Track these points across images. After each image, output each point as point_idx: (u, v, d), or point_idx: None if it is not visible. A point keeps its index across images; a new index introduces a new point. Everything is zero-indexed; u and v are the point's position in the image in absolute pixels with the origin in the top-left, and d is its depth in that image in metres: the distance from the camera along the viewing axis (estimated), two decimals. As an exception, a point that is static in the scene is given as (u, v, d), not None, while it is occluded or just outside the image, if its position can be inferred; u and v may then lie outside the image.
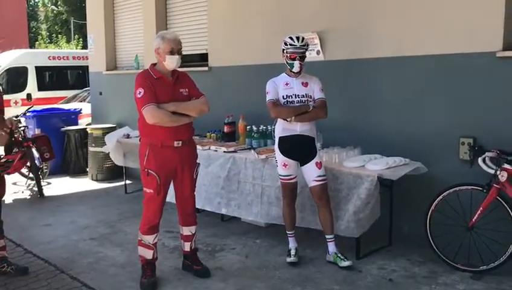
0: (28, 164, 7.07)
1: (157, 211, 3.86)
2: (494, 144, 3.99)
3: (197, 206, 5.16)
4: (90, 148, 7.89)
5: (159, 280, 3.97)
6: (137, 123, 3.90)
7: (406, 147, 4.57)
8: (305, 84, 4.17)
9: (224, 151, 5.22)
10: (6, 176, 4.26)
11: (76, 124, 8.90)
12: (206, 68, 6.58)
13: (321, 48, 5.24)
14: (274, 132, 4.34)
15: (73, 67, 14.86)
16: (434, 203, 4.14)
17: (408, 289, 3.81)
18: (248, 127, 5.54)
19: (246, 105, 5.88)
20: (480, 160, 3.96)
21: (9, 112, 7.69)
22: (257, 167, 4.85)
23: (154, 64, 3.89)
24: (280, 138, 4.22)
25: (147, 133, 3.83)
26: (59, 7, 36.32)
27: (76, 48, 28.50)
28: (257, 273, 4.14)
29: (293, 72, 4.16)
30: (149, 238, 3.90)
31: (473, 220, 3.99)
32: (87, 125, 8.82)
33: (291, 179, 4.23)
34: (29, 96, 13.35)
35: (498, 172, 3.85)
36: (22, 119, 7.86)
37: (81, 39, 30.28)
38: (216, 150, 5.33)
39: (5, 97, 4.12)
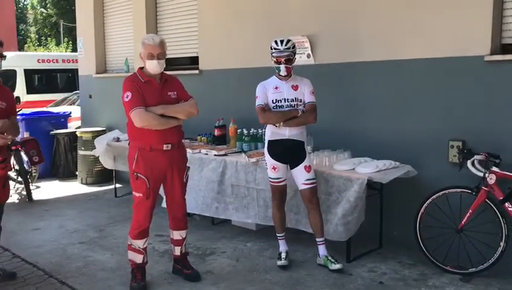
0: (17, 167, 7.03)
1: (147, 215, 3.84)
2: (483, 147, 4.02)
3: (195, 212, 5.22)
4: (80, 152, 7.84)
5: (149, 284, 3.95)
6: (126, 126, 3.87)
7: (396, 150, 4.60)
8: (295, 88, 4.16)
9: (215, 155, 5.21)
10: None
11: (66, 127, 8.85)
12: (196, 71, 6.57)
13: (311, 52, 5.26)
14: (264, 135, 4.33)
15: (63, 70, 14.78)
16: (424, 206, 4.16)
17: (398, 292, 3.83)
18: (239, 131, 5.54)
19: (237, 108, 5.89)
20: (469, 163, 3.99)
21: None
22: (249, 170, 4.84)
23: (142, 68, 3.88)
24: (269, 141, 4.22)
25: (135, 137, 3.81)
26: (48, 10, 36.11)
27: (66, 51, 28.33)
28: (248, 276, 4.14)
29: (281, 76, 4.16)
30: (139, 243, 3.88)
31: (462, 222, 4.02)
32: (76, 128, 8.77)
33: (280, 181, 4.24)
34: (18, 99, 13.11)
35: (487, 175, 3.89)
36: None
37: (70, 42, 30.12)
38: (207, 154, 5.32)
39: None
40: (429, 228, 4.16)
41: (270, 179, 4.28)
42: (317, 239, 4.26)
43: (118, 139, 6.65)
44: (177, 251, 4.10)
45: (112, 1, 8.33)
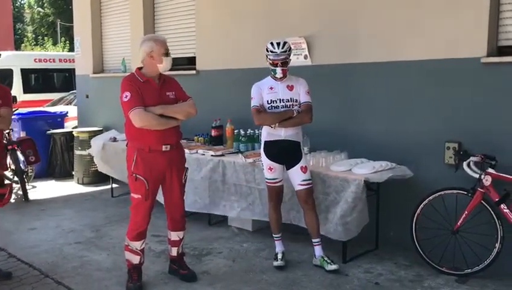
0: (13, 167, 7.01)
1: (145, 217, 3.83)
2: (479, 149, 4.04)
3: (205, 212, 5.25)
4: (76, 152, 7.83)
5: (145, 285, 3.94)
6: (124, 126, 3.87)
7: (392, 152, 4.61)
8: (290, 88, 4.15)
9: (212, 155, 5.21)
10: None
11: (62, 127, 8.83)
12: (193, 72, 6.58)
13: (308, 53, 5.27)
14: (261, 136, 4.33)
15: (60, 69, 14.74)
16: (420, 207, 4.18)
17: (394, 293, 3.84)
18: (236, 131, 5.55)
19: (234, 109, 5.89)
20: (465, 164, 4.01)
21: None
22: (247, 170, 4.85)
23: (139, 68, 3.87)
24: (265, 142, 4.22)
25: (134, 138, 3.80)
26: (45, 9, 36.04)
27: (63, 51, 28.28)
28: (244, 277, 4.14)
29: (277, 78, 4.15)
30: (136, 244, 3.87)
31: (458, 224, 4.04)
32: (73, 128, 8.76)
33: (276, 182, 4.24)
34: (14, 98, 13.10)
35: (482, 176, 3.90)
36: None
37: (67, 42, 30.07)
38: (204, 154, 5.33)
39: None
40: (425, 229, 4.17)
41: (266, 180, 4.28)
42: (313, 240, 4.27)
43: (114, 139, 6.64)
44: (174, 251, 4.09)
45: (109, 1, 8.33)
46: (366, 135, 4.85)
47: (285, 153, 4.17)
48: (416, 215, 4.19)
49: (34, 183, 7.67)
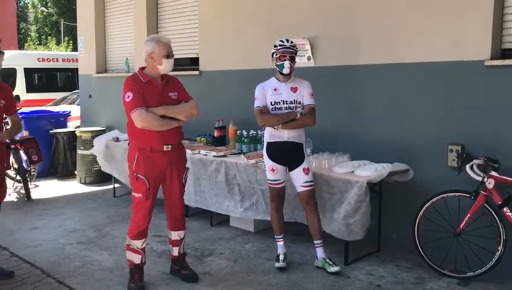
0: (16, 166, 7.03)
1: (146, 216, 3.84)
2: (482, 152, 4.04)
3: (208, 209, 5.25)
4: (79, 151, 7.84)
5: (147, 285, 3.94)
6: (126, 126, 3.87)
7: (395, 154, 4.60)
8: (294, 90, 4.15)
9: (214, 156, 5.21)
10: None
11: (65, 126, 8.84)
12: (196, 72, 6.58)
13: (312, 54, 5.27)
14: (263, 136, 4.33)
15: (63, 69, 14.76)
16: (422, 210, 4.17)
17: (396, 295, 3.84)
18: (238, 132, 5.55)
19: (236, 109, 5.89)
20: (468, 167, 3.99)
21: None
22: (250, 171, 4.85)
23: (142, 68, 3.88)
24: (268, 143, 4.21)
25: (136, 137, 3.81)
26: (49, 9, 36.12)
27: (66, 50, 28.34)
28: (245, 278, 4.13)
29: (283, 75, 4.12)
30: (137, 243, 3.88)
31: (461, 226, 4.03)
32: (76, 128, 8.77)
33: (279, 183, 4.24)
34: (17, 97, 13.10)
35: (485, 179, 3.89)
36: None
37: (71, 41, 30.13)
38: (206, 155, 5.33)
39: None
40: (427, 232, 4.16)
41: (268, 181, 4.28)
42: (315, 241, 4.27)
43: (117, 139, 6.65)
44: (175, 251, 4.09)
45: (112, 1, 8.34)
46: (369, 136, 4.85)
47: (287, 155, 4.17)
48: (418, 217, 4.18)
49: (36, 183, 7.69)
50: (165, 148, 3.79)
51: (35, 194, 7.09)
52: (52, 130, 8.36)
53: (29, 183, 7.05)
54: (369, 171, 4.30)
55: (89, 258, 4.57)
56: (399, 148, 4.63)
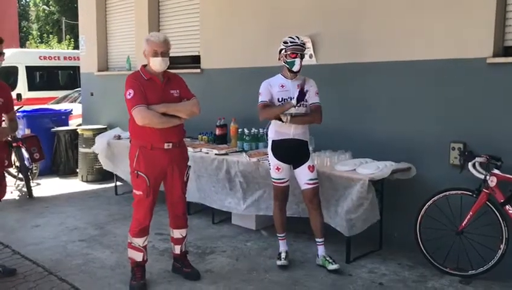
0: (18, 164, 7.04)
1: (147, 214, 3.84)
2: (484, 149, 4.02)
3: (213, 206, 5.25)
4: (81, 149, 7.84)
5: (149, 283, 3.95)
6: (128, 124, 3.87)
7: (397, 152, 4.60)
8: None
9: (216, 154, 5.21)
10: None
11: (67, 124, 8.84)
12: (198, 70, 6.57)
13: (314, 52, 5.26)
14: (267, 135, 4.31)
15: (65, 67, 14.76)
16: (424, 208, 4.16)
17: (398, 293, 3.83)
18: (240, 130, 5.55)
19: (238, 107, 5.89)
20: (470, 165, 3.98)
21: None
22: (252, 169, 4.85)
23: (145, 66, 3.87)
24: (273, 141, 4.20)
25: (137, 135, 3.81)
26: (50, 7, 36.15)
27: (68, 48, 28.35)
28: (247, 276, 4.14)
29: (293, 72, 4.09)
30: (139, 241, 3.88)
31: (463, 224, 4.02)
32: (77, 126, 8.77)
33: (283, 182, 4.22)
34: (19, 96, 13.15)
35: (488, 177, 3.88)
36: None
37: (72, 39, 30.15)
38: (207, 153, 5.33)
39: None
40: (429, 230, 4.16)
41: (272, 180, 4.26)
42: (316, 239, 4.27)
43: (119, 137, 6.65)
44: (177, 249, 4.09)
45: (114, -1, 8.34)
46: (371, 134, 4.84)
47: (293, 152, 4.15)
48: (420, 215, 4.18)
49: (38, 181, 7.69)
50: (166, 146, 3.79)
51: (37, 192, 7.10)
52: (53, 128, 8.36)
53: (31, 181, 7.06)
54: (371, 169, 4.30)
55: (91, 256, 4.57)
56: (400, 146, 4.62)
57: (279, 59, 4.16)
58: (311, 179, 4.15)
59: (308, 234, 4.89)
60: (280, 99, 4.10)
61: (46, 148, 7.60)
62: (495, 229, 3.88)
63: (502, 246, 3.84)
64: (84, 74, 9.01)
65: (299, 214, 4.61)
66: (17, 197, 6.92)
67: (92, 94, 8.70)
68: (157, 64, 3.75)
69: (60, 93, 13.31)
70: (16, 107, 8.32)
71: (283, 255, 4.33)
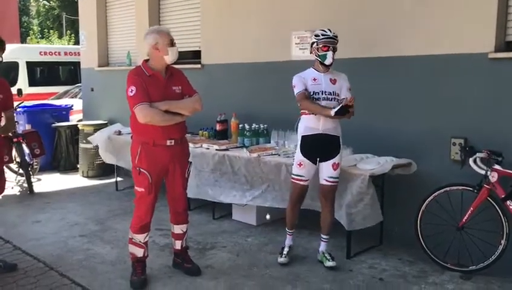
0: (19, 159, 7.04)
1: (148, 210, 3.84)
2: (485, 145, 4.01)
3: (215, 200, 5.24)
4: (81, 145, 7.84)
5: (149, 278, 3.95)
6: (129, 120, 3.86)
7: (398, 147, 4.59)
8: (334, 81, 4.05)
9: (217, 149, 5.21)
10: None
11: (68, 120, 8.84)
12: (199, 66, 6.56)
13: (314, 47, 5.23)
14: (297, 130, 4.21)
15: (65, 63, 14.73)
16: (425, 203, 4.16)
17: (398, 289, 3.82)
18: (240, 126, 5.54)
19: (239, 103, 5.88)
20: (471, 160, 3.98)
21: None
22: (254, 164, 4.84)
23: (146, 61, 3.84)
24: (302, 137, 4.09)
25: (139, 132, 3.79)
26: (51, 2, 36.11)
27: (68, 44, 28.30)
28: (248, 271, 4.14)
29: (325, 65, 4.02)
30: (140, 237, 3.88)
31: (464, 220, 4.01)
32: (78, 121, 8.77)
33: (302, 180, 4.11)
34: (19, 91, 13.17)
35: (489, 173, 3.88)
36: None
37: (73, 35, 30.12)
38: (208, 148, 5.32)
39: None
40: (430, 225, 4.15)
41: (292, 176, 4.17)
42: (322, 235, 4.25)
43: (119, 133, 6.65)
44: (178, 245, 4.10)
45: (114, -6, 8.32)
46: (371, 130, 4.83)
47: (320, 147, 4.04)
48: (421, 211, 4.17)
49: (39, 176, 7.69)
50: (168, 142, 3.78)
51: (37, 187, 7.10)
52: (54, 123, 8.36)
53: (31, 176, 7.06)
54: (372, 164, 4.30)
55: (92, 252, 4.58)
56: (402, 141, 4.61)
57: (310, 52, 4.09)
58: (331, 177, 4.08)
59: (310, 229, 4.90)
60: (312, 92, 4.00)
61: (47, 144, 7.61)
62: (496, 225, 3.88)
63: (502, 242, 3.84)
64: (84, 69, 9.00)
65: (310, 206, 4.52)
66: (18, 193, 6.93)
67: (92, 89, 8.69)
68: (175, 53, 3.74)
69: (60, 89, 13.28)
70: (16, 103, 8.37)
71: (286, 250, 4.29)
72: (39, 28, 36.65)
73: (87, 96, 8.94)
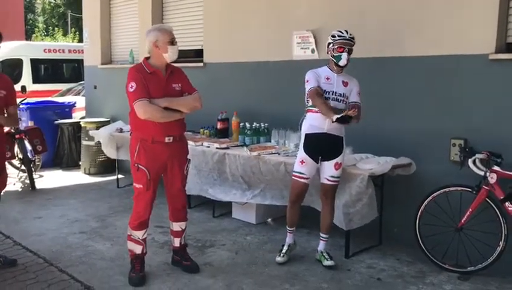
0: (21, 156, 7.07)
1: (147, 207, 3.85)
2: (485, 146, 4.01)
3: (215, 198, 5.25)
4: (84, 142, 7.87)
5: (148, 275, 3.96)
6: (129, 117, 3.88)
7: (398, 148, 4.59)
8: (345, 84, 4.06)
9: (217, 148, 5.22)
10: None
11: (70, 117, 8.88)
12: (201, 64, 6.57)
13: (316, 47, 5.24)
14: (300, 127, 4.20)
15: (69, 60, 14.80)
16: (424, 204, 4.16)
17: (396, 289, 3.83)
18: (241, 124, 5.55)
19: (240, 102, 5.89)
20: (470, 161, 3.98)
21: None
22: (252, 163, 4.86)
23: (147, 58, 3.87)
24: (306, 135, 4.10)
25: (138, 128, 3.81)
26: (56, 0, 36.18)
27: (73, 42, 28.38)
28: (246, 269, 4.15)
29: (339, 66, 4.02)
30: (139, 234, 3.90)
31: (462, 221, 4.01)
32: (81, 118, 8.80)
33: (303, 177, 4.10)
34: (23, 88, 13.17)
35: (488, 174, 3.87)
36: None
37: (77, 32, 30.19)
38: (209, 146, 5.34)
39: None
40: (429, 226, 4.15)
41: (293, 173, 4.17)
42: (321, 234, 4.26)
43: (121, 130, 6.67)
44: (177, 242, 4.11)
45: (118, -8, 8.34)
46: (371, 130, 4.82)
47: (324, 147, 4.05)
48: (420, 211, 4.18)
49: (41, 173, 7.72)
50: (166, 139, 3.79)
51: (39, 184, 7.13)
52: (57, 120, 8.40)
53: (33, 173, 7.09)
54: (372, 164, 4.30)
55: (91, 248, 4.60)
56: (401, 142, 4.61)
57: (327, 52, 4.10)
58: (333, 177, 4.09)
59: (308, 229, 4.91)
60: (323, 91, 4.01)
61: (49, 141, 7.64)
62: (494, 226, 3.88)
63: (501, 243, 3.83)
64: (87, 67, 9.03)
65: (310, 203, 4.54)
66: (20, 189, 6.96)
67: (95, 87, 8.71)
68: (175, 52, 3.76)
69: (64, 86, 13.35)
70: (19, 100, 8.40)
71: (285, 248, 4.29)
72: (44, 26, 36.77)
73: (90, 93, 8.97)
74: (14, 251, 4.49)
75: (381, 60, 4.77)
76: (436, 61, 4.39)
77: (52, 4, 36.72)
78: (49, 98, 11.25)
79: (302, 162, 4.10)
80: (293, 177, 4.17)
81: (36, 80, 13.87)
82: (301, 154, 4.11)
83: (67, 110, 8.95)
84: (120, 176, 7.01)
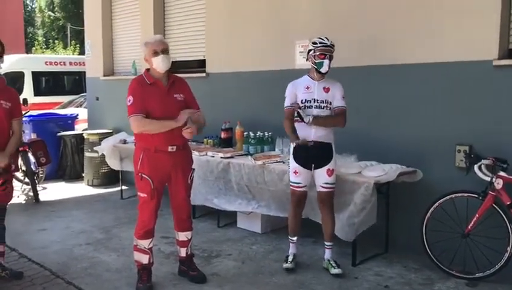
0: (24, 168, 7.07)
1: (151, 216, 3.86)
2: (490, 152, 4.02)
3: (220, 208, 5.25)
4: (86, 154, 7.88)
5: (155, 285, 3.95)
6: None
7: (403, 154, 4.59)
8: (327, 90, 4.09)
9: (221, 157, 5.22)
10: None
11: (73, 129, 8.89)
12: (203, 74, 6.59)
13: (318, 55, 5.26)
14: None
15: (70, 72, 14.86)
16: (430, 211, 4.16)
17: (404, 296, 3.82)
18: (245, 133, 5.55)
19: (243, 111, 5.90)
20: (476, 167, 3.98)
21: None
22: (257, 172, 4.85)
23: (148, 70, 3.90)
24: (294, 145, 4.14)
25: (141, 138, 3.83)
26: (56, 13, 36.36)
27: (73, 54, 28.48)
28: (253, 279, 4.14)
29: (320, 73, 4.06)
30: (144, 243, 3.89)
31: (469, 227, 4.01)
32: (83, 130, 8.81)
33: (300, 187, 4.15)
34: (25, 101, 13.19)
35: (494, 179, 3.87)
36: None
37: (77, 45, 30.29)
38: (213, 156, 5.34)
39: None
40: (435, 233, 4.15)
41: (290, 183, 4.21)
42: (325, 242, 4.26)
43: (124, 142, 6.68)
44: (183, 252, 4.10)
45: (119, 4, 8.38)
46: (376, 137, 4.84)
47: (313, 155, 4.08)
48: (426, 218, 4.17)
49: (44, 185, 7.72)
50: (169, 149, 3.81)
51: (43, 196, 7.13)
52: (59, 132, 8.41)
53: (37, 185, 7.09)
54: (377, 172, 4.30)
55: (97, 259, 4.58)
56: (407, 148, 4.62)
57: (307, 59, 4.14)
58: (327, 183, 4.12)
59: (314, 238, 4.90)
60: (303, 101, 4.06)
61: (53, 153, 7.63)
62: (501, 232, 3.87)
63: (508, 249, 3.82)
64: (90, 78, 9.05)
65: (309, 215, 4.55)
66: (24, 201, 6.95)
67: (97, 98, 8.73)
68: (160, 63, 3.76)
69: (65, 99, 13.38)
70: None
71: (290, 257, 4.31)
72: (44, 39, 36.91)
73: (92, 105, 8.99)
74: (20, 263, 4.48)
75: (385, 68, 4.78)
76: (440, 68, 4.41)
77: (51, 17, 36.88)
78: (51, 111, 11.28)
79: (295, 172, 4.15)
80: (291, 187, 4.21)
81: (37, 92, 13.92)
82: (293, 164, 4.16)
83: (69, 122, 8.96)
84: (124, 187, 7.01)
